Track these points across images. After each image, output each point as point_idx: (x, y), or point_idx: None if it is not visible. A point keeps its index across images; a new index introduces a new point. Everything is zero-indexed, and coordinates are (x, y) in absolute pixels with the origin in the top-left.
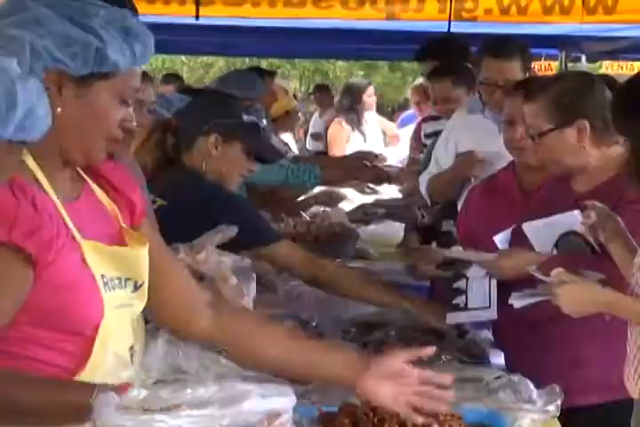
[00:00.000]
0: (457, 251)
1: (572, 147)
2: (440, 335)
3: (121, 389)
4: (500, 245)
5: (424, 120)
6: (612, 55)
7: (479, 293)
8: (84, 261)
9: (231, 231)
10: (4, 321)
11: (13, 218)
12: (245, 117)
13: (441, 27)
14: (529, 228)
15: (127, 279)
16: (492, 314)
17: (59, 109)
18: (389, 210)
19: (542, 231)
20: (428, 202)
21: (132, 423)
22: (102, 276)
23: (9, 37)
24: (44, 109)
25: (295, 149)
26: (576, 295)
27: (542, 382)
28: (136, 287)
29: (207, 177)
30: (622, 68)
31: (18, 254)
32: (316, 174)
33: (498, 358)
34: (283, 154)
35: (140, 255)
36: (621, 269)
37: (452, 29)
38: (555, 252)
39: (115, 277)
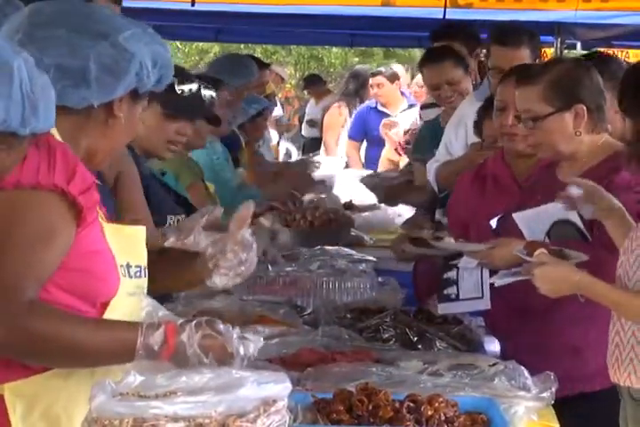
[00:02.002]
0: (448, 242)
1: (568, 132)
2: (436, 322)
3: (166, 324)
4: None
5: (422, 107)
6: (607, 42)
7: (470, 283)
8: (104, 237)
9: (217, 212)
10: (52, 270)
11: (73, 170)
12: None
13: (437, 13)
14: (520, 217)
15: (144, 268)
16: (486, 304)
17: (122, 118)
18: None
19: (533, 220)
20: (436, 190)
21: (127, 410)
22: (126, 263)
23: (124, 51)
24: (53, 103)
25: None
26: (552, 276)
27: (536, 370)
28: (147, 275)
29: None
30: (617, 55)
31: (70, 206)
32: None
33: (492, 346)
34: (205, 106)
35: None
36: (618, 246)
37: (447, 16)
38: (547, 240)
39: (134, 265)
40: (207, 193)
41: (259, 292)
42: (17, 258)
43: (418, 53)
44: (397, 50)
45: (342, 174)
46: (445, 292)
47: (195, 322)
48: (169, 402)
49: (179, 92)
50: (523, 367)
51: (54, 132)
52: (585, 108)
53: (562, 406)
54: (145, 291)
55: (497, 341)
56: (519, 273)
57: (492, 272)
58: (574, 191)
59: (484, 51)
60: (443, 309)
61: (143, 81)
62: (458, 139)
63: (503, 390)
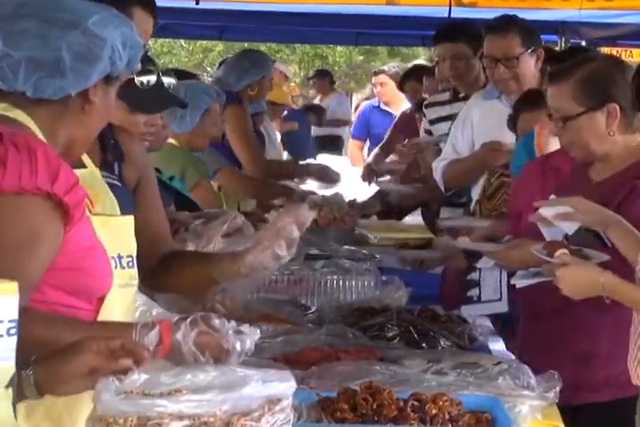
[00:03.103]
0: (465, 241)
1: (600, 132)
2: (440, 321)
3: (160, 323)
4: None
5: (427, 106)
6: (611, 41)
7: (491, 285)
8: (94, 232)
9: (238, 220)
10: (39, 276)
11: (56, 170)
12: None
13: (441, 12)
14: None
15: (135, 257)
16: (503, 306)
17: (97, 103)
18: None
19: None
20: (442, 189)
21: (132, 408)
22: (117, 254)
23: (95, 37)
24: None
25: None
26: (577, 278)
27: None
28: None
29: None
30: (621, 54)
31: (55, 207)
32: None
33: (497, 345)
34: (169, 95)
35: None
36: (625, 255)
37: (452, 15)
38: (564, 242)
39: (125, 256)
40: (214, 192)
41: (262, 290)
42: (6, 265)
43: (422, 52)
44: (402, 48)
45: (347, 173)
46: (468, 294)
47: (190, 319)
48: (173, 400)
49: (138, 84)
50: (527, 366)
51: (32, 125)
52: (618, 107)
53: (566, 414)
54: (137, 282)
55: (501, 340)
56: (540, 274)
57: (511, 274)
58: (546, 213)
59: None
60: (465, 310)
61: (116, 64)
62: (464, 137)
63: (507, 389)
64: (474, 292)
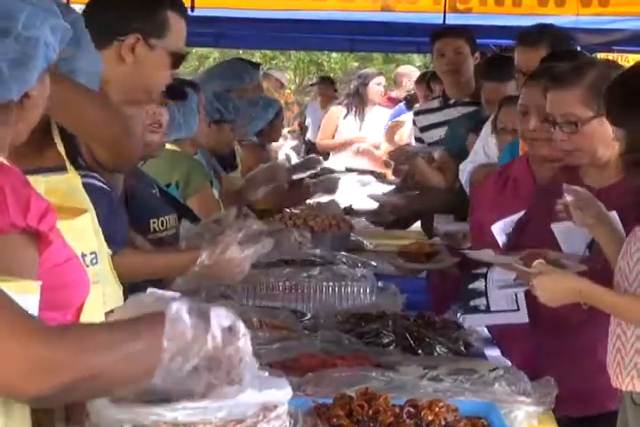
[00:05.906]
0: (489, 254)
1: (608, 137)
2: (436, 327)
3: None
4: (497, 236)
5: (417, 113)
6: (607, 47)
7: (502, 295)
8: (66, 243)
9: (255, 226)
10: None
11: (27, 200)
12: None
13: (436, 18)
14: (558, 228)
15: (98, 253)
16: (523, 317)
17: (36, 95)
18: None
19: (574, 232)
20: (467, 192)
21: (126, 416)
22: (82, 253)
23: (28, 40)
24: None
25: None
26: (551, 285)
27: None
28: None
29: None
30: (617, 59)
31: (30, 237)
32: None
33: (493, 351)
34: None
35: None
36: (607, 258)
37: (447, 21)
38: (587, 253)
39: (88, 253)
40: (215, 199)
41: (258, 297)
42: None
43: (417, 58)
44: (397, 54)
45: (344, 179)
46: (472, 303)
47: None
48: (169, 408)
49: None
50: (522, 372)
51: None
52: None
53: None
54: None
55: (497, 347)
56: (519, 284)
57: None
58: (570, 200)
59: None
60: (471, 320)
61: (52, 58)
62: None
63: (503, 395)
64: (479, 302)
